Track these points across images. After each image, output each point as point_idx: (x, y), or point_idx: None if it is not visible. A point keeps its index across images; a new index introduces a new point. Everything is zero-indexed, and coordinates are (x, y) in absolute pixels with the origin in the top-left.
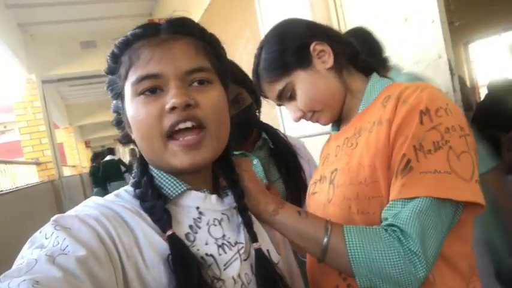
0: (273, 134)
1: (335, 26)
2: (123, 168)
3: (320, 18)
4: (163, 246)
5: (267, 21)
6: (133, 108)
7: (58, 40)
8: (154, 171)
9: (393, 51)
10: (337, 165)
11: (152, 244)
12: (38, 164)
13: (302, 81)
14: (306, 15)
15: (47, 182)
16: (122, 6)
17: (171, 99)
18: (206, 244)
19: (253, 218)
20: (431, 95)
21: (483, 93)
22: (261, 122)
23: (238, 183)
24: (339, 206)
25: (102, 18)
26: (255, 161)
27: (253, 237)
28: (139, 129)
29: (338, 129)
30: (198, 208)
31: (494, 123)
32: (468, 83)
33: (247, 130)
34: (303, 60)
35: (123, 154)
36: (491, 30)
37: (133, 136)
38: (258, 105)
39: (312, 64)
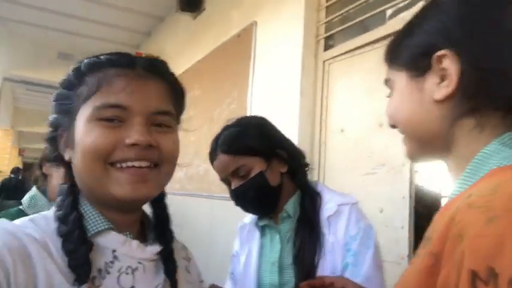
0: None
1: (317, 112)
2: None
3: (307, 112)
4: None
5: (256, 90)
6: (88, 130)
7: (36, 44)
8: (83, 206)
9: (367, 152)
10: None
11: (51, 287)
12: None
13: (402, 85)
14: (295, 99)
15: None
16: (112, 31)
17: (134, 135)
18: None
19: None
20: None
21: None
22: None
23: (172, 255)
24: None
25: (89, 37)
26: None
27: None
28: (85, 152)
29: None
30: (114, 251)
31: None
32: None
33: (267, 200)
34: (415, 67)
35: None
36: None
37: (70, 157)
38: (298, 167)
39: (423, 77)
